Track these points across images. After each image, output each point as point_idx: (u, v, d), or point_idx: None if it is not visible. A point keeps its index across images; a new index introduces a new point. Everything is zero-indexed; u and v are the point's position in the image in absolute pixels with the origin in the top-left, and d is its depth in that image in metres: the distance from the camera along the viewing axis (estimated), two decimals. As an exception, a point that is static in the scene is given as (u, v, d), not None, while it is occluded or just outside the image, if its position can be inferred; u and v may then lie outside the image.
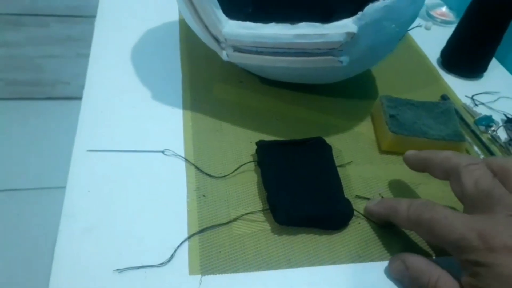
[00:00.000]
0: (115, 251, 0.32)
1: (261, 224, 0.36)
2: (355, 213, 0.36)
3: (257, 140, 0.42)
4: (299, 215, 0.35)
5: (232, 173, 0.39)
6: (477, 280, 0.27)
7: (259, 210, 0.36)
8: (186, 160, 0.40)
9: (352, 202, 0.37)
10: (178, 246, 0.33)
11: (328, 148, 0.41)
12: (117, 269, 0.31)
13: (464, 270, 0.28)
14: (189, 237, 0.34)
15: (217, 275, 0.32)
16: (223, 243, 0.34)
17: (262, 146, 0.40)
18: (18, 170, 1.30)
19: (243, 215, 0.36)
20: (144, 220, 0.35)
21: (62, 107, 1.50)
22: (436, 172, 0.35)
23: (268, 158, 0.39)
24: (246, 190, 0.38)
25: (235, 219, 0.35)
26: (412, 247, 0.36)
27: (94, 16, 0.57)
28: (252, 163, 0.40)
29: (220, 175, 0.39)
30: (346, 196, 0.37)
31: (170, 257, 0.32)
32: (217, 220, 0.35)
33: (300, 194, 0.36)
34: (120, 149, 0.40)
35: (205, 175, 0.39)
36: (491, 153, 0.45)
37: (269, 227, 0.35)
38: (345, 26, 0.36)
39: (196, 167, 0.39)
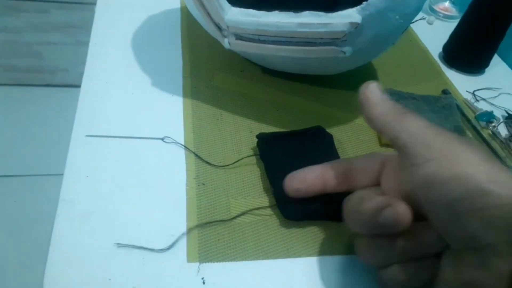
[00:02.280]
0: (113, 237, 0.32)
1: (261, 213, 0.36)
2: None
3: (257, 130, 0.42)
4: (307, 209, 0.34)
5: (232, 164, 0.39)
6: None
7: (267, 206, 0.36)
8: (185, 148, 0.40)
9: None
10: (180, 236, 0.33)
11: (329, 136, 0.41)
12: (117, 243, 0.31)
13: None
14: (189, 230, 0.34)
15: (215, 263, 0.32)
16: (222, 232, 0.34)
17: (262, 139, 0.40)
18: (16, 157, 1.29)
19: (249, 210, 0.35)
20: (142, 207, 0.35)
21: (61, 94, 1.49)
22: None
23: (270, 150, 0.39)
24: (246, 180, 0.38)
25: (239, 215, 0.35)
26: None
27: (95, 3, 0.56)
28: (253, 156, 0.40)
29: (220, 164, 0.39)
30: None
31: (171, 245, 0.32)
32: (216, 208, 0.35)
33: None
34: (120, 135, 0.40)
35: (204, 164, 0.38)
36: (492, 149, 0.45)
37: (269, 217, 0.35)
38: (349, 15, 0.35)
39: (196, 155, 0.39)
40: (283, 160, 0.38)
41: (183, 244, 0.33)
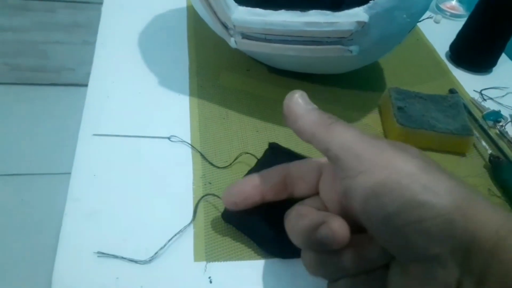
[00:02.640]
0: (120, 235, 0.32)
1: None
2: None
3: (263, 129, 0.42)
4: (240, 223, 0.33)
5: (233, 161, 0.39)
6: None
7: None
8: (192, 147, 0.40)
9: None
10: (187, 235, 0.33)
11: None
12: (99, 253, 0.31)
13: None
14: (196, 229, 0.34)
15: (222, 262, 0.32)
16: (229, 231, 0.34)
17: (273, 149, 0.38)
18: (23, 155, 1.30)
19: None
20: (149, 206, 0.35)
21: (67, 94, 1.50)
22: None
23: (272, 161, 0.35)
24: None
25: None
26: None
27: (101, 3, 0.56)
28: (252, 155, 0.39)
29: (226, 163, 0.39)
30: None
31: (177, 243, 0.32)
32: (223, 207, 0.35)
33: (270, 212, 0.32)
34: (126, 134, 0.40)
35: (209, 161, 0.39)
36: (499, 148, 0.45)
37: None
38: (356, 14, 0.35)
39: (202, 155, 0.39)
40: None
41: (190, 243, 0.33)
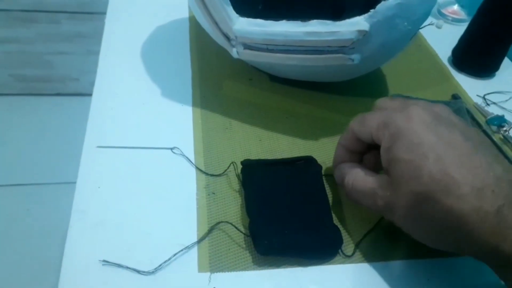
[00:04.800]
0: (124, 246, 0.33)
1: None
2: None
3: (266, 138, 0.42)
4: (281, 245, 0.32)
5: (224, 172, 0.39)
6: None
7: (243, 233, 0.34)
8: (188, 160, 0.40)
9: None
10: (191, 246, 0.33)
11: (318, 168, 0.39)
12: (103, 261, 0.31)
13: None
14: (200, 239, 0.34)
15: (227, 272, 0.32)
16: (233, 241, 0.34)
17: (246, 166, 0.38)
18: (28, 165, 1.31)
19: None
20: (153, 216, 0.35)
21: (72, 103, 1.51)
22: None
23: (253, 179, 0.37)
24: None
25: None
26: None
27: (105, 13, 0.57)
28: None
29: (230, 172, 0.39)
30: (335, 223, 0.35)
31: (182, 254, 0.32)
32: (227, 218, 0.35)
33: (284, 221, 0.34)
34: (130, 145, 0.40)
35: (212, 171, 0.39)
36: (503, 153, 0.45)
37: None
38: (357, 23, 0.35)
39: (197, 168, 0.39)
40: (264, 191, 0.36)
41: (194, 253, 0.33)
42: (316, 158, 0.40)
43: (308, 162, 0.39)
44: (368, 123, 0.32)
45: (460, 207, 0.26)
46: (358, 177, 0.33)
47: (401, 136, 0.29)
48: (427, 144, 0.28)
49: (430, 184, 0.27)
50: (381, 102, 0.35)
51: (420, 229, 0.30)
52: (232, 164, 0.39)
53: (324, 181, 0.38)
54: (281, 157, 0.40)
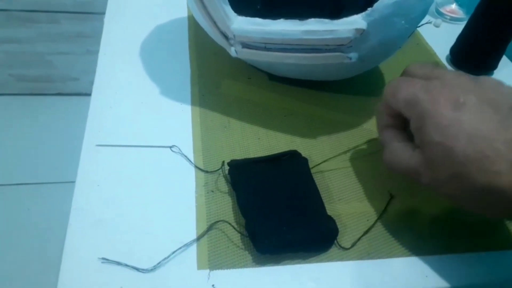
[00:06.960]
0: (124, 244, 0.33)
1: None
2: None
3: (265, 136, 0.42)
4: (281, 241, 0.32)
5: (217, 170, 0.39)
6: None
7: (241, 234, 0.34)
8: (187, 159, 0.40)
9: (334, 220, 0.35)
10: (190, 243, 0.33)
11: (304, 161, 0.39)
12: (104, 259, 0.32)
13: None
14: (199, 237, 0.34)
15: (225, 270, 0.32)
16: (232, 238, 0.34)
17: (233, 167, 0.38)
18: (28, 165, 1.31)
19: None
20: (152, 214, 0.35)
21: (72, 103, 1.51)
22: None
23: (241, 179, 0.37)
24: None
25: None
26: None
27: (104, 13, 0.57)
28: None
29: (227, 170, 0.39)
30: (328, 213, 0.35)
31: (181, 252, 0.32)
32: (226, 215, 0.35)
33: (279, 217, 0.34)
34: (129, 144, 0.40)
35: (211, 170, 0.39)
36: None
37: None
38: (355, 22, 0.36)
39: (197, 167, 0.39)
40: (255, 190, 0.36)
41: (193, 251, 0.33)
42: (315, 156, 0.40)
43: (293, 156, 0.39)
44: (398, 96, 0.33)
45: (498, 183, 0.26)
46: (395, 154, 0.33)
47: (428, 119, 0.29)
48: (456, 124, 0.28)
49: (466, 163, 0.27)
50: (411, 68, 0.36)
51: (468, 203, 0.30)
52: (223, 163, 0.39)
53: (314, 178, 0.38)
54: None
